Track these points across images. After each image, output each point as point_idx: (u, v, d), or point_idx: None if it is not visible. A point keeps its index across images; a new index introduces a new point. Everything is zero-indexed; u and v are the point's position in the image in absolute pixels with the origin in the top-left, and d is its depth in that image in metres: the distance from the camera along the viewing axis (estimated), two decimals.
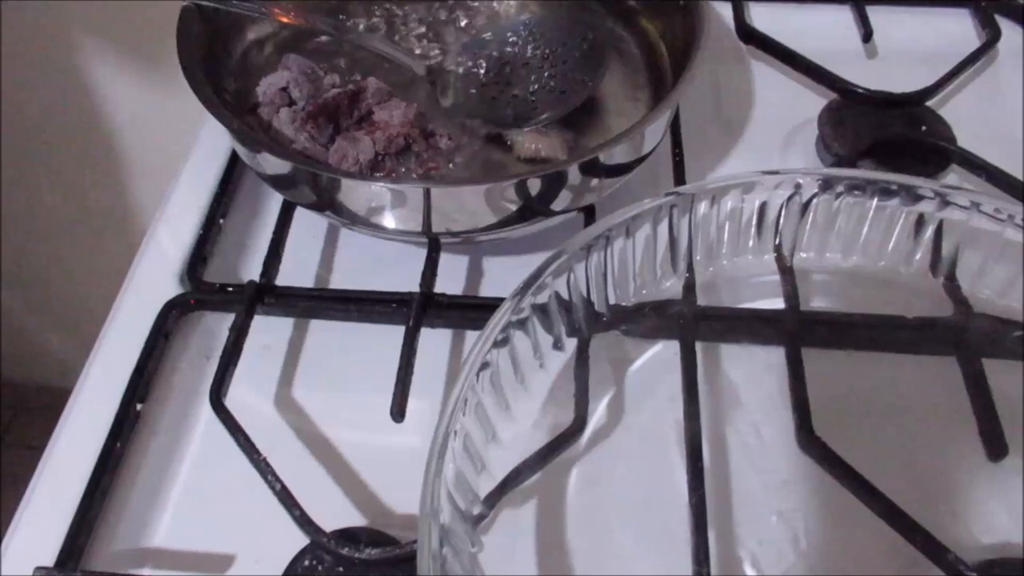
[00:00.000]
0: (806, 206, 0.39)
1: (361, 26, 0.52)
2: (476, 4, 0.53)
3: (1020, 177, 0.45)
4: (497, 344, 0.33)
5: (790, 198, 0.39)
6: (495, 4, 0.51)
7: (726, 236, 0.40)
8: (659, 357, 0.40)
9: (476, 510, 0.32)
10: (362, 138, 0.43)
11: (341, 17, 0.53)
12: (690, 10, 0.45)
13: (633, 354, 0.40)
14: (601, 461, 0.37)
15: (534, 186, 0.39)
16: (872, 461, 0.35)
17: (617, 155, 0.41)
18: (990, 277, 0.39)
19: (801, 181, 0.38)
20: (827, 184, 0.38)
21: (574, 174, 0.39)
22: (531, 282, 0.34)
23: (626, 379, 0.39)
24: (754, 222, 0.40)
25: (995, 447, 0.35)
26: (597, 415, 0.38)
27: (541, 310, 0.35)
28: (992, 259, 0.39)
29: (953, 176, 0.47)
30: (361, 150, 0.43)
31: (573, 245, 0.35)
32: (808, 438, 0.35)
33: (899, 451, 0.37)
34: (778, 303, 0.40)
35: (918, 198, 0.38)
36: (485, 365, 0.32)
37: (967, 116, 0.50)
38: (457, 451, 0.30)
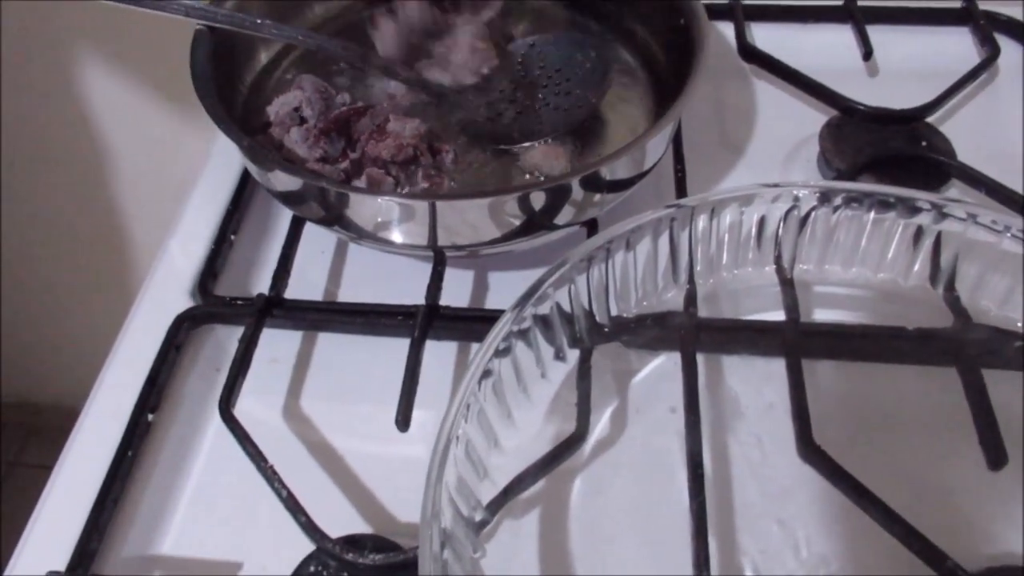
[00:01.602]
0: (805, 219, 0.40)
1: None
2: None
3: (1019, 190, 0.45)
4: (499, 353, 0.33)
5: (789, 211, 0.40)
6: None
7: (726, 248, 0.41)
8: (661, 368, 0.41)
9: (478, 516, 0.32)
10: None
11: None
12: (690, 29, 0.46)
13: (636, 365, 0.41)
14: (604, 471, 0.37)
15: (537, 200, 0.39)
16: (872, 470, 0.35)
17: (619, 170, 0.41)
18: (989, 288, 0.39)
19: (799, 194, 0.39)
20: (825, 197, 0.39)
21: (576, 188, 0.40)
22: (531, 293, 0.34)
23: (629, 390, 0.40)
24: (754, 234, 0.40)
25: (995, 456, 0.35)
26: (600, 425, 0.39)
27: (542, 321, 0.36)
28: (990, 270, 0.39)
29: (954, 191, 0.48)
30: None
31: (573, 257, 0.36)
32: (808, 448, 0.35)
33: (899, 460, 0.37)
34: (779, 314, 0.40)
35: (915, 210, 0.39)
36: (487, 373, 0.33)
37: (967, 132, 0.51)
38: (459, 457, 0.31)
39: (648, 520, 0.36)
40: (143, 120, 0.83)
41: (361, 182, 0.44)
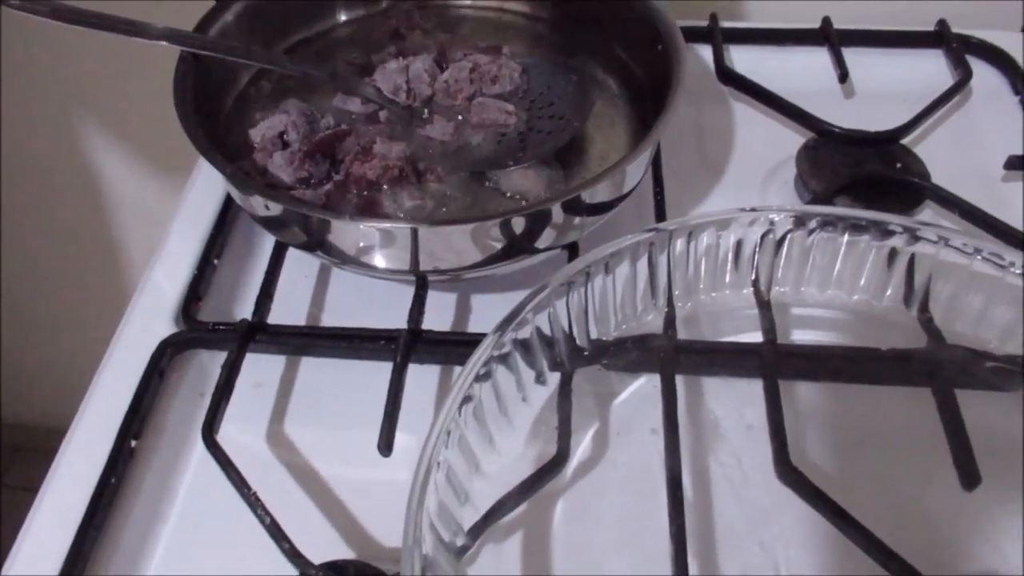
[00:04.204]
0: (780, 242, 0.40)
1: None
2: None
3: (992, 211, 0.46)
4: (479, 378, 0.34)
5: (765, 235, 0.40)
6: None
7: (704, 271, 0.41)
8: (642, 390, 0.41)
9: (460, 541, 0.32)
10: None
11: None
12: (668, 54, 0.47)
13: (617, 387, 0.41)
14: (586, 493, 0.38)
15: (518, 225, 0.40)
16: (850, 490, 0.36)
17: (598, 193, 0.42)
18: (962, 309, 0.40)
19: (775, 218, 0.40)
20: (800, 221, 0.40)
21: (557, 212, 0.41)
22: (511, 318, 0.35)
23: (610, 412, 0.40)
24: (730, 258, 0.41)
25: (969, 476, 0.35)
26: (582, 448, 0.39)
27: (523, 345, 0.36)
28: (963, 291, 0.40)
29: (928, 211, 0.48)
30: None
31: (553, 282, 0.36)
32: (786, 468, 0.35)
33: (876, 480, 0.37)
34: (757, 336, 0.41)
35: (888, 233, 0.39)
36: (468, 399, 0.33)
37: (941, 153, 0.52)
38: (440, 483, 0.31)
39: (631, 542, 0.36)
40: (129, 143, 0.84)
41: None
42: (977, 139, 0.54)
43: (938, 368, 0.39)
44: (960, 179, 0.48)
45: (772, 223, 0.40)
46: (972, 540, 0.35)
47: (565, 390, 0.38)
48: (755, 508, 0.37)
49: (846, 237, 0.40)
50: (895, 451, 0.38)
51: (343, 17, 0.57)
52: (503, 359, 0.36)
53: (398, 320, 0.42)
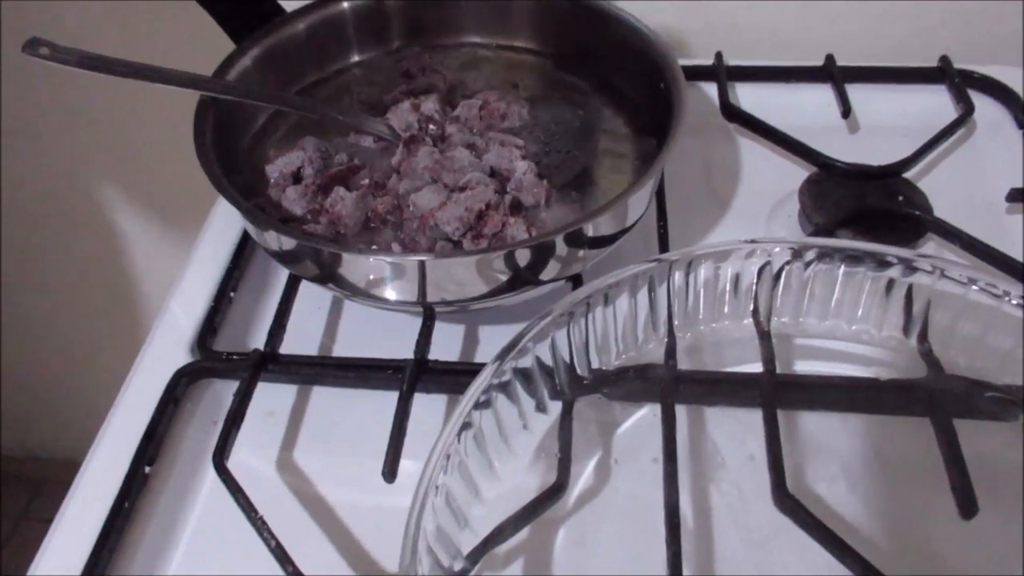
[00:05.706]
0: (779, 274, 0.41)
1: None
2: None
3: (993, 244, 0.46)
4: (479, 406, 0.35)
5: (764, 266, 0.41)
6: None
7: (703, 302, 0.42)
8: (644, 419, 0.42)
9: (458, 566, 0.33)
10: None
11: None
12: (670, 92, 0.48)
13: (620, 417, 0.42)
14: (587, 521, 0.38)
15: (522, 257, 0.41)
16: (849, 519, 0.36)
17: (601, 226, 0.43)
18: (960, 339, 0.40)
19: (773, 250, 0.40)
20: (797, 253, 0.40)
21: (560, 245, 0.42)
22: (511, 347, 0.36)
23: (613, 441, 0.41)
24: (729, 289, 0.42)
25: (967, 505, 0.35)
26: (584, 476, 0.40)
27: (523, 374, 0.37)
28: (960, 322, 0.40)
29: (931, 244, 0.49)
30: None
31: (554, 311, 0.37)
32: (783, 497, 0.36)
33: (874, 509, 0.38)
34: (757, 366, 0.41)
35: (885, 264, 0.40)
36: (467, 425, 0.34)
37: (944, 186, 0.52)
38: (438, 507, 0.32)
39: (631, 570, 0.36)
40: (145, 182, 0.86)
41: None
42: (979, 172, 0.54)
43: (937, 398, 0.39)
44: (962, 212, 0.49)
45: (770, 255, 0.41)
46: (970, 569, 0.35)
47: (566, 418, 0.39)
48: (755, 536, 0.37)
49: (843, 268, 0.41)
50: (894, 480, 0.39)
51: (356, 58, 0.59)
52: (503, 387, 0.37)
53: (408, 350, 0.43)
